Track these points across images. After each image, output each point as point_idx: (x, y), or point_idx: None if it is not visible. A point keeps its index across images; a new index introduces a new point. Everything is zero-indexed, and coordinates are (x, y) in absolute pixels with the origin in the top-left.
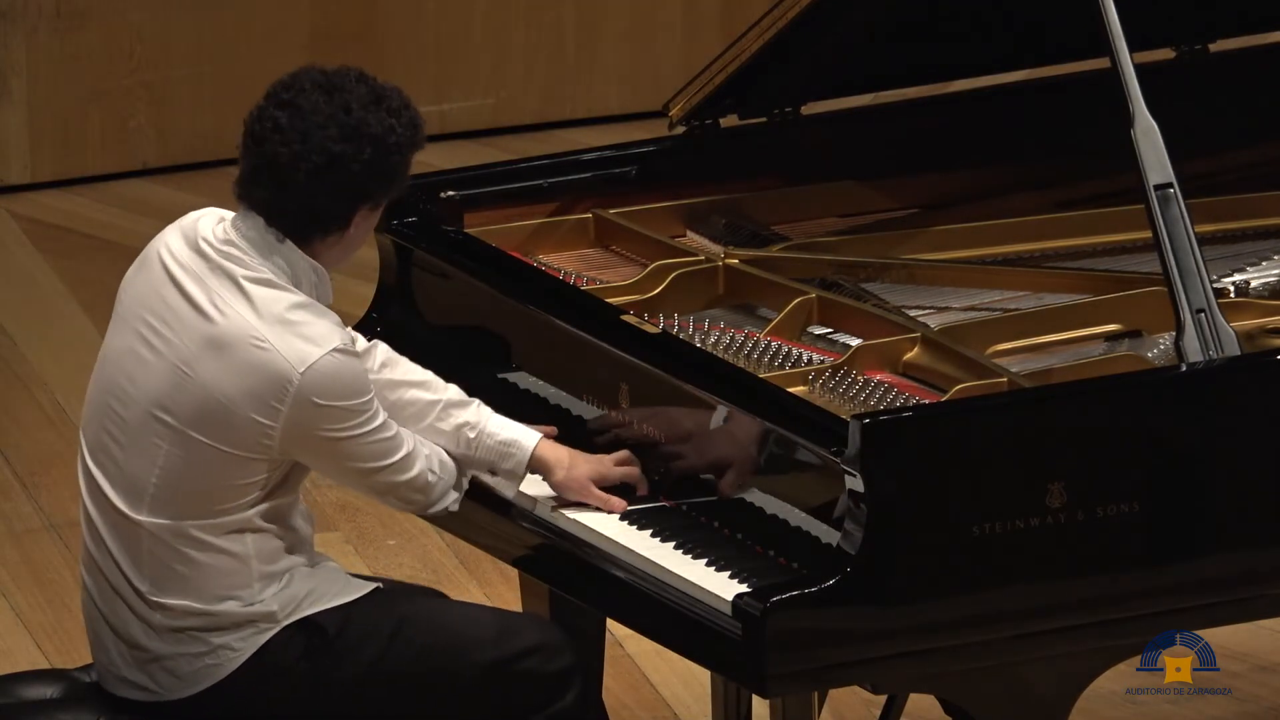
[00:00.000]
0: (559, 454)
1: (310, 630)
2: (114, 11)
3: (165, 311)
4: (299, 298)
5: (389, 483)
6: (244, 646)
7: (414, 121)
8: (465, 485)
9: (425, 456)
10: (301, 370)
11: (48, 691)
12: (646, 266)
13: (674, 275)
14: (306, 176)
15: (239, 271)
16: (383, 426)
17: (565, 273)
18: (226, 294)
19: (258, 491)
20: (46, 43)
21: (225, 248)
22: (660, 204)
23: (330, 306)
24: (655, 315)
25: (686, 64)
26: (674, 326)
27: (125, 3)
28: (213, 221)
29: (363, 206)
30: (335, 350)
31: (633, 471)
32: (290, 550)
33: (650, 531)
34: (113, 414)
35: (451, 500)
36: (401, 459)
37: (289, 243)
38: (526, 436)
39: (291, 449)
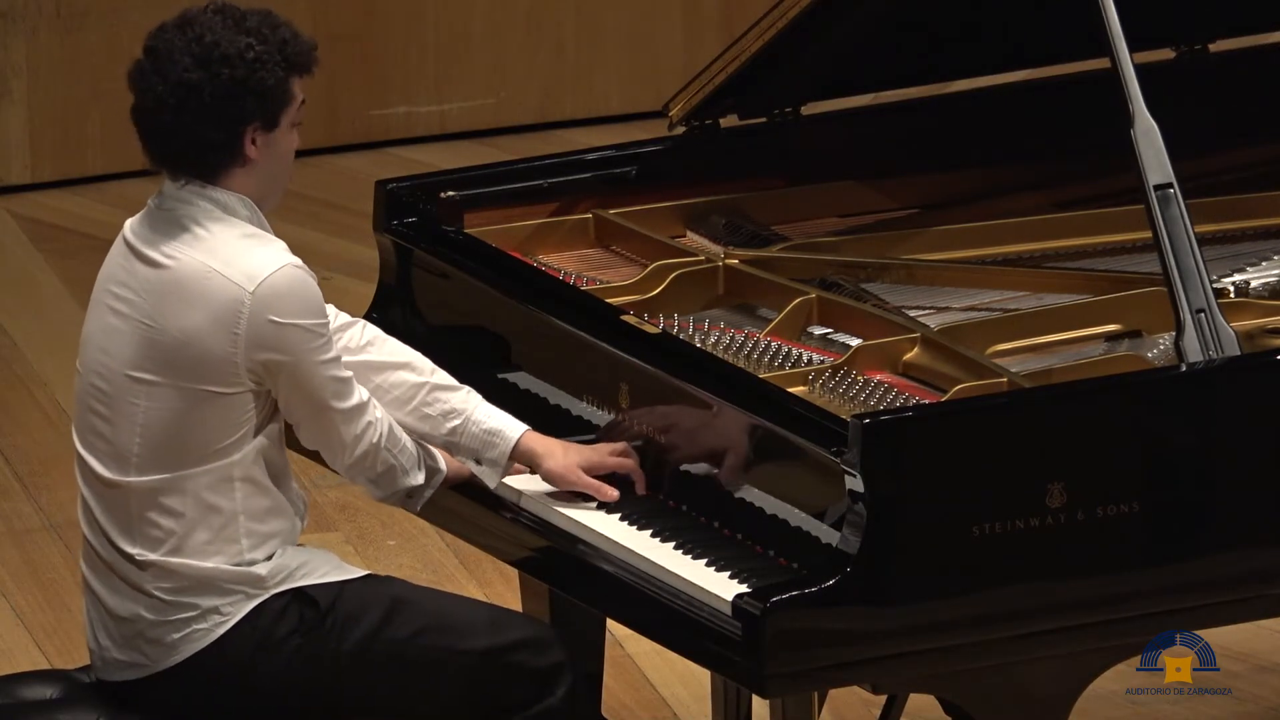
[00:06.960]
0: (548, 444)
1: (303, 602)
2: (114, 11)
3: (127, 277)
4: (246, 229)
5: (335, 431)
6: (233, 611)
7: (282, 38)
8: (434, 476)
9: (378, 420)
10: (252, 290)
11: (48, 692)
12: (646, 266)
13: (674, 275)
14: (173, 113)
15: (184, 217)
16: (338, 363)
17: (565, 273)
18: (176, 241)
19: (241, 431)
20: (46, 43)
21: (169, 204)
22: (660, 204)
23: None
24: (655, 315)
25: (686, 64)
26: (674, 326)
27: (125, 3)
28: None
29: (247, 128)
30: (282, 267)
31: (627, 463)
32: (277, 513)
33: (650, 531)
34: (96, 392)
35: (408, 483)
36: (351, 408)
37: (203, 184)
38: (512, 427)
39: (259, 372)
